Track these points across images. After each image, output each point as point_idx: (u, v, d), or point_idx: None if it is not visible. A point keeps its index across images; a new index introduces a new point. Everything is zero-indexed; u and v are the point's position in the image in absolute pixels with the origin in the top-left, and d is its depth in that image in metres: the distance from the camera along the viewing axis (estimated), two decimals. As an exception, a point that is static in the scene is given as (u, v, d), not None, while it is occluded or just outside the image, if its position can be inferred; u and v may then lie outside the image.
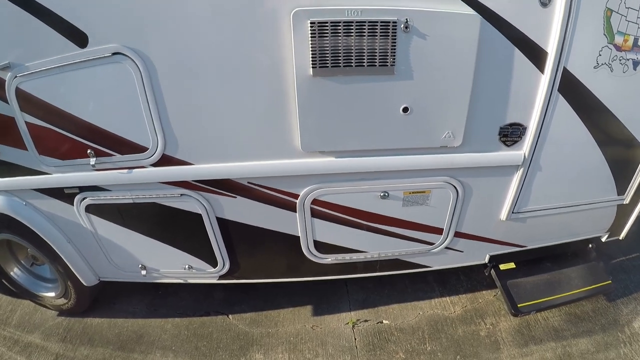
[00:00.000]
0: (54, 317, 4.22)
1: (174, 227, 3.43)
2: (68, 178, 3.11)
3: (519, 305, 3.87)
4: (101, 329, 4.12)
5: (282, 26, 2.56)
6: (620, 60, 3.08)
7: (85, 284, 3.83)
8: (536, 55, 2.90)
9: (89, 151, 2.93)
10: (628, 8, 2.90)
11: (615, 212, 4.14)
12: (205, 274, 3.75)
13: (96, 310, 4.26)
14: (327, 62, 2.62)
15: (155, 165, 3.00)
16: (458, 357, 3.87)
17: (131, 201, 3.20)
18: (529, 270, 4.16)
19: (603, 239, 4.44)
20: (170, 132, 2.88)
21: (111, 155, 2.96)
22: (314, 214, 3.36)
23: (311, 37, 2.54)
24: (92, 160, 2.95)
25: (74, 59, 2.61)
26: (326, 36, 2.55)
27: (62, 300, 4.05)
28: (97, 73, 2.66)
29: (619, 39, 3.00)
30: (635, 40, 3.05)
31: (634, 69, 3.15)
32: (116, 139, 2.90)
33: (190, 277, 3.81)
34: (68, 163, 3.04)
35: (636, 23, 2.98)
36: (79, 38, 2.56)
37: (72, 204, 3.26)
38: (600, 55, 3.00)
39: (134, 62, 2.61)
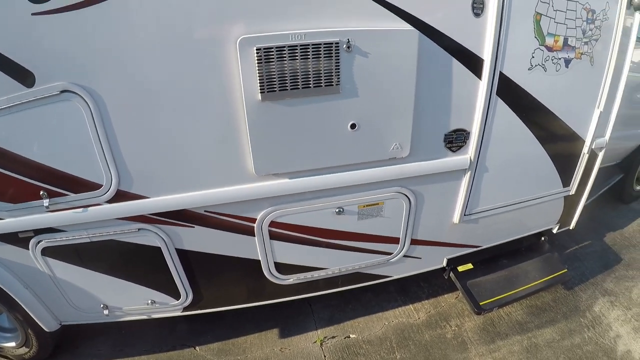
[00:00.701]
0: (16, 368, 4.08)
1: (133, 262, 3.37)
2: (21, 222, 2.99)
3: (481, 304, 3.97)
4: (66, 375, 3.99)
5: (230, 54, 2.59)
6: (552, 60, 3.26)
7: (46, 330, 3.69)
8: (473, 62, 3.05)
9: (42, 192, 2.84)
10: (556, 10, 3.10)
11: (563, 203, 4.36)
12: (169, 307, 3.69)
13: (60, 355, 4.11)
14: (275, 86, 2.67)
15: (110, 201, 2.95)
16: (428, 361, 3.93)
17: (88, 240, 3.12)
18: (486, 268, 4.29)
19: (554, 231, 4.64)
20: (123, 167, 2.84)
21: (65, 195, 2.89)
22: (273, 236, 3.37)
23: (257, 63, 2.59)
24: (46, 202, 2.86)
25: (21, 99, 2.54)
26: (272, 61, 2.60)
27: (23, 350, 3.89)
28: (46, 112, 2.60)
29: (549, 41, 3.18)
30: (565, 40, 3.25)
31: (566, 66, 3.35)
32: (69, 178, 2.83)
33: (154, 311, 3.73)
34: (20, 206, 2.93)
35: (565, 24, 3.18)
36: (26, 77, 2.50)
37: (27, 248, 3.15)
38: (533, 57, 3.18)
39: (83, 99, 2.57)
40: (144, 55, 2.55)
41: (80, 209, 2.97)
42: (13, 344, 3.90)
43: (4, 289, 3.35)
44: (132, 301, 3.61)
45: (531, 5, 3.02)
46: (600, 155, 4.08)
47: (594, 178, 4.24)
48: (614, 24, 3.48)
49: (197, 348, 4.17)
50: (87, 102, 2.60)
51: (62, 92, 2.56)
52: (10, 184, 2.83)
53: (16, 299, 3.43)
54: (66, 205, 2.95)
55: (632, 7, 3.49)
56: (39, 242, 3.13)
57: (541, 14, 3.07)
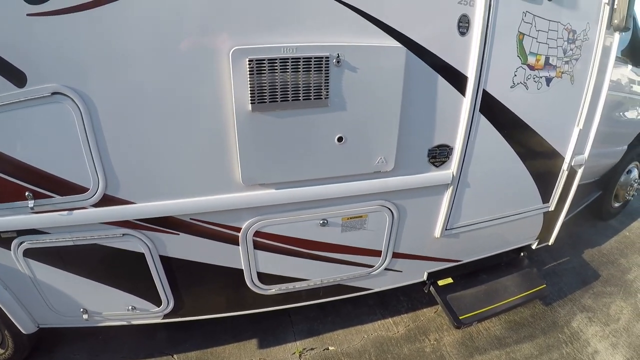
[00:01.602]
0: (-9, 369, 4.03)
1: (116, 267, 3.35)
2: (5, 222, 2.96)
3: (460, 317, 4.00)
4: (41, 378, 3.95)
5: (222, 64, 2.62)
6: (534, 78, 3.35)
7: (23, 331, 3.64)
8: (457, 80, 3.11)
9: (27, 193, 2.82)
10: (538, 31, 3.18)
11: (542, 219, 4.43)
12: (149, 314, 3.66)
13: (36, 358, 4.06)
14: (265, 97, 2.70)
15: (96, 205, 2.94)
16: (406, 374, 3.95)
17: (72, 243, 3.10)
18: (466, 283, 4.33)
19: (533, 246, 4.71)
20: (111, 172, 2.84)
21: (50, 197, 2.87)
22: (257, 245, 3.38)
23: (249, 74, 2.62)
24: (31, 203, 2.84)
25: (11, 98, 2.53)
26: (264, 73, 2.63)
27: (-2, 351, 3.88)
28: (36, 113, 2.59)
29: (531, 59, 3.27)
30: (547, 59, 3.34)
31: (547, 85, 3.43)
32: (56, 180, 2.81)
33: (134, 318, 3.70)
34: (5, 206, 2.90)
35: (546, 43, 3.27)
36: (17, 77, 2.49)
37: (9, 249, 3.11)
38: (515, 75, 3.26)
39: (73, 101, 2.57)
40: (137, 61, 2.56)
41: (66, 212, 2.95)
42: (-12, 344, 3.86)
43: (-18, 290, 3.31)
44: (112, 306, 3.58)
45: (514, 25, 3.11)
46: (580, 172, 4.16)
47: (573, 195, 4.31)
48: (594, 44, 3.57)
49: (175, 356, 4.15)
50: (77, 105, 2.59)
51: (54, 93, 2.55)
52: (-5, 183, 2.81)
53: (-6, 300, 3.39)
54: (51, 207, 2.93)
55: (612, 28, 3.59)
56: (21, 243, 3.10)
57: (524, 34, 3.16)
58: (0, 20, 2.34)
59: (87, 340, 4.26)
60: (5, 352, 3.84)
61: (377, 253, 3.74)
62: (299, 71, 2.69)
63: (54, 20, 2.37)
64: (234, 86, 2.65)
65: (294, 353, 4.17)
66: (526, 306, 4.66)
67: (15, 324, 3.59)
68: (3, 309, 3.46)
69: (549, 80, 3.45)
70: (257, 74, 2.63)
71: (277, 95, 2.71)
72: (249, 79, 2.63)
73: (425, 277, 4.22)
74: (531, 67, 3.30)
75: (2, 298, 3.41)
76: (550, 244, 4.77)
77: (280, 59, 2.63)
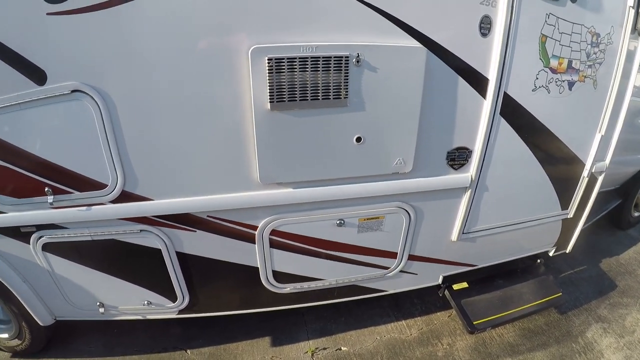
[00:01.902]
0: (7, 359, 4.08)
1: (133, 263, 3.39)
2: (24, 217, 3.02)
3: (474, 323, 3.97)
4: (57, 370, 4.00)
5: (241, 63, 2.62)
6: (556, 82, 3.30)
7: (40, 323, 3.70)
8: (478, 82, 3.08)
9: (46, 189, 2.87)
10: (561, 33, 3.13)
11: (561, 226, 4.36)
12: (164, 309, 3.70)
13: (51, 350, 4.12)
14: (284, 96, 2.70)
15: (114, 201, 2.97)
16: (418, 378, 3.93)
17: (90, 238, 3.14)
18: (481, 288, 4.29)
19: (550, 254, 4.65)
20: (129, 168, 2.86)
21: (70, 192, 2.91)
22: (273, 244, 3.39)
23: (268, 73, 2.62)
24: (50, 198, 2.89)
25: (32, 96, 2.57)
26: (283, 72, 2.64)
27: (15, 342, 3.91)
28: (56, 110, 2.63)
29: (554, 63, 3.21)
30: (570, 62, 3.28)
31: (570, 89, 3.37)
32: (75, 176, 2.85)
33: (149, 312, 3.74)
34: (24, 201, 2.95)
35: (569, 46, 3.21)
36: (38, 75, 2.52)
37: (29, 243, 3.17)
38: (537, 78, 3.21)
39: (93, 99, 2.60)
40: (156, 60, 2.58)
41: (84, 207, 2.99)
42: (6, 335, 3.93)
43: (2, 281, 3.37)
44: (128, 301, 3.62)
45: (537, 27, 3.06)
46: (600, 179, 4.10)
47: (592, 202, 4.26)
48: (618, 48, 3.51)
49: (189, 351, 4.18)
50: (97, 103, 2.62)
51: (73, 91, 2.58)
52: (16, 178, 2.85)
53: (13, 292, 3.45)
54: (70, 203, 2.97)
55: (637, 32, 3.52)
56: (40, 238, 3.15)
57: (547, 36, 3.11)
58: (20, 19, 2.38)
59: (102, 333, 4.31)
60: (23, 343, 3.91)
61: (392, 255, 3.74)
62: (318, 70, 2.69)
63: (73, 19, 2.40)
64: (252, 85, 2.66)
65: (307, 352, 4.17)
66: (541, 314, 4.61)
67: (33, 316, 3.65)
68: (21, 301, 3.52)
69: (571, 85, 3.40)
70: (276, 72, 2.63)
71: (296, 94, 2.72)
72: (267, 78, 2.64)
73: (440, 281, 4.20)
74: (553, 71, 3.26)
75: (20, 290, 3.46)
76: (567, 251, 4.71)
77: (300, 58, 2.63)
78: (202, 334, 4.35)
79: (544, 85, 3.27)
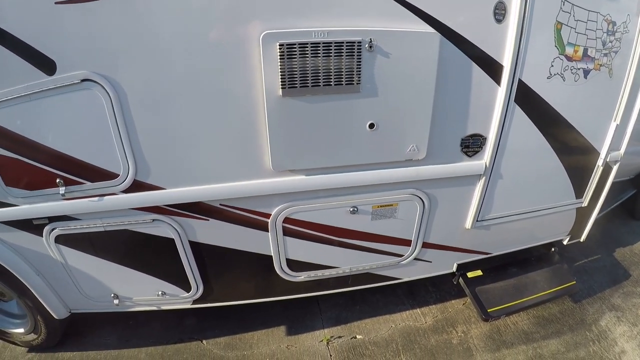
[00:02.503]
0: (24, 354, 4.09)
1: (146, 253, 3.39)
2: (37, 209, 3.02)
3: (489, 310, 3.96)
4: (73, 362, 4.02)
5: (252, 49, 2.61)
6: (571, 70, 3.25)
7: (55, 317, 3.72)
8: (493, 68, 3.04)
9: (58, 180, 2.86)
10: (577, 20, 3.07)
11: (575, 215, 4.32)
12: (178, 299, 3.71)
13: (67, 344, 4.15)
14: (296, 82, 2.68)
15: (126, 191, 2.97)
16: (433, 366, 3.93)
17: (102, 229, 3.14)
18: (496, 276, 4.27)
19: (565, 242, 4.61)
20: (141, 158, 2.86)
21: (81, 183, 2.91)
22: (286, 232, 3.39)
23: (280, 58, 2.60)
24: (62, 190, 2.89)
25: (41, 86, 2.56)
26: (294, 57, 2.62)
27: (32, 336, 3.93)
28: (66, 100, 2.62)
29: (569, 50, 3.16)
30: (585, 50, 3.23)
31: (585, 77, 3.32)
32: (86, 167, 2.85)
33: (163, 303, 3.75)
34: (36, 193, 2.95)
35: (585, 34, 3.16)
36: (47, 65, 2.51)
37: (41, 235, 3.17)
38: (552, 66, 3.16)
39: (103, 88, 2.59)
40: (166, 47, 2.57)
41: (96, 198, 3.00)
42: (22, 330, 3.94)
43: (16, 275, 3.37)
44: (142, 292, 3.64)
45: (552, 14, 3.01)
46: (615, 168, 4.05)
47: (607, 191, 4.20)
48: (635, 37, 3.44)
49: (204, 341, 4.19)
50: (107, 92, 2.61)
51: (83, 80, 2.57)
52: (27, 170, 2.86)
53: (27, 285, 3.46)
54: (82, 194, 2.97)
55: (654, 21, 3.48)
56: (53, 230, 3.16)
57: (562, 23, 3.06)
58: (30, 9, 2.37)
59: (117, 325, 4.33)
60: (39, 337, 3.92)
61: (407, 242, 3.72)
62: (331, 56, 2.66)
63: (81, 7, 2.39)
64: (264, 71, 2.64)
65: (322, 340, 4.19)
66: (555, 302, 4.60)
67: (48, 309, 3.66)
68: (36, 294, 3.53)
69: (586, 73, 3.35)
70: (287, 58, 2.61)
71: (307, 80, 2.70)
72: (279, 64, 2.62)
73: (454, 269, 4.19)
74: (569, 58, 3.21)
75: (34, 284, 3.47)
76: (582, 240, 4.66)
77: (312, 44, 2.61)
78: (218, 324, 4.36)
79: (559, 73, 3.23)
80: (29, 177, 2.90)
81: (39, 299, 3.57)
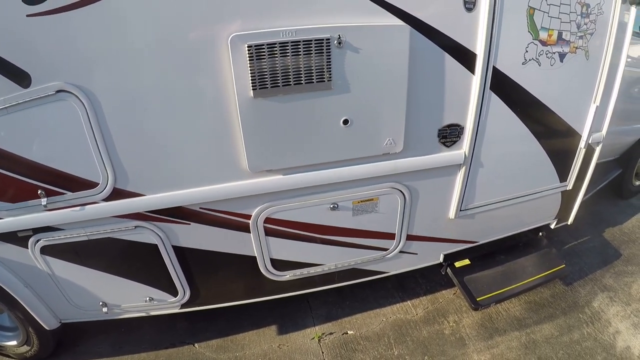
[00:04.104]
0: (18, 366, 4.11)
1: (131, 260, 3.40)
2: (20, 221, 3.02)
3: (478, 299, 3.97)
4: (67, 372, 4.02)
5: (222, 52, 2.61)
6: (546, 54, 3.26)
7: (46, 328, 3.72)
8: (466, 57, 3.05)
9: (39, 192, 2.87)
10: (549, 5, 3.10)
11: (560, 198, 4.34)
12: (166, 304, 3.71)
13: (61, 354, 4.15)
14: (267, 83, 2.69)
15: (107, 199, 2.97)
16: (426, 357, 3.95)
17: (86, 238, 3.15)
18: (483, 264, 4.29)
19: (552, 226, 4.64)
20: (119, 165, 2.86)
21: (62, 193, 2.91)
22: (268, 232, 3.39)
23: (249, 60, 2.61)
24: (44, 201, 2.89)
25: (18, 99, 2.56)
26: (264, 58, 2.62)
27: (24, 348, 3.93)
28: (43, 112, 2.62)
29: (543, 35, 3.18)
30: (560, 34, 3.24)
31: (561, 61, 3.34)
32: (66, 177, 2.85)
33: (152, 309, 3.76)
34: (19, 206, 2.95)
35: (558, 18, 3.17)
36: (22, 78, 2.52)
37: (27, 247, 3.18)
38: (527, 51, 3.18)
39: (78, 98, 2.59)
40: (137, 54, 2.57)
41: (78, 208, 3.00)
42: (14, 342, 3.94)
43: (5, 288, 3.38)
44: (130, 298, 3.64)
45: (524, 0, 3.03)
46: (598, 149, 4.06)
47: (591, 173, 4.22)
48: (609, 18, 3.46)
49: (196, 345, 4.20)
50: (82, 102, 2.61)
51: (58, 91, 2.57)
52: (9, 183, 2.85)
53: (16, 298, 3.46)
54: (64, 204, 2.97)
55: (628, 2, 3.50)
56: (37, 241, 3.16)
57: (534, 8, 3.07)
58: (1, 23, 2.37)
59: (109, 333, 4.34)
60: (31, 349, 3.92)
61: (390, 236, 3.73)
62: (300, 54, 2.66)
63: (53, 19, 2.39)
64: (234, 73, 2.65)
65: (313, 338, 4.20)
66: (546, 286, 4.62)
67: (38, 320, 3.66)
68: (25, 306, 3.53)
69: (562, 56, 3.36)
70: (257, 59, 2.61)
71: (278, 80, 2.70)
72: (249, 65, 2.62)
73: (441, 259, 4.20)
74: (543, 43, 3.22)
75: (23, 296, 3.48)
76: (569, 223, 4.68)
77: (280, 43, 2.61)
78: (209, 326, 4.38)
79: (534, 58, 3.24)
80: (10, 189, 2.90)
81: (29, 311, 3.57)
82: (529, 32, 3.13)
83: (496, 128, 3.40)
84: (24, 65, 2.50)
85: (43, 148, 2.77)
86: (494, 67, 3.13)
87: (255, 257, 3.53)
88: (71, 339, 4.27)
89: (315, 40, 2.65)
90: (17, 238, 3.15)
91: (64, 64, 2.54)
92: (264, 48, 2.60)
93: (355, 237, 3.63)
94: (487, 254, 4.39)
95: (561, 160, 3.96)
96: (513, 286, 4.14)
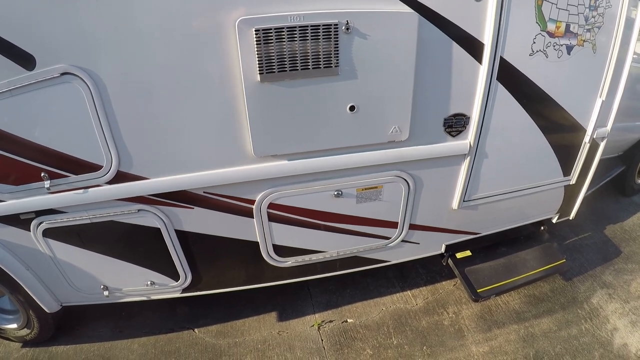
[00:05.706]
0: (18, 349, 4.10)
1: (133, 243, 3.40)
2: (23, 203, 3.02)
3: (478, 291, 3.98)
4: (67, 356, 4.02)
5: (228, 36, 2.59)
6: (554, 46, 3.23)
7: (47, 311, 3.73)
8: (473, 47, 3.03)
9: (43, 174, 2.86)
10: (558, -4, 3.04)
11: (563, 193, 4.33)
12: (168, 289, 3.72)
13: (61, 337, 4.17)
14: (274, 67, 2.67)
15: (110, 182, 2.97)
16: (424, 347, 3.96)
17: (89, 221, 3.15)
18: (485, 256, 4.30)
19: (554, 220, 4.62)
20: (123, 148, 2.86)
21: (66, 176, 2.91)
22: (271, 218, 3.39)
23: (256, 44, 2.59)
24: (47, 183, 2.88)
25: (22, 82, 2.55)
26: (271, 42, 2.61)
27: (25, 331, 3.94)
28: (47, 94, 2.61)
29: (551, 26, 3.15)
30: (567, 26, 3.21)
31: (568, 53, 3.31)
32: (70, 160, 2.84)
33: (153, 293, 3.76)
34: (22, 188, 2.95)
35: (567, 10, 3.14)
36: (26, 60, 2.50)
37: (29, 230, 3.18)
38: (534, 42, 3.15)
39: (83, 81, 2.57)
40: (144, 37, 2.55)
41: (81, 190, 3.00)
42: (15, 325, 3.95)
43: (6, 271, 3.38)
44: (131, 282, 3.65)
45: (533, -10, 3.01)
46: (602, 145, 4.05)
47: (595, 168, 4.21)
48: (618, 12, 3.42)
49: (196, 330, 4.22)
50: (87, 84, 2.60)
51: (63, 74, 2.56)
52: (12, 166, 2.85)
53: (18, 281, 3.46)
54: (67, 187, 2.97)
55: (635, -4, 3.47)
56: (40, 224, 3.16)
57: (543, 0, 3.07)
58: (7, 5, 2.36)
59: (110, 317, 4.35)
60: (32, 332, 3.94)
61: (393, 225, 3.73)
62: (307, 40, 2.65)
63: (58, 1, 2.38)
64: (241, 57, 2.63)
65: (313, 325, 4.22)
66: (546, 281, 4.63)
67: (39, 303, 3.67)
68: (26, 289, 3.53)
69: (569, 49, 3.34)
70: (264, 43, 2.60)
71: (285, 64, 2.69)
72: (256, 50, 2.61)
73: (443, 250, 4.21)
74: (551, 35, 3.20)
75: (24, 278, 3.48)
76: (571, 218, 4.68)
77: (288, 28, 2.60)
78: (209, 312, 4.39)
79: (542, 50, 3.22)
80: (14, 172, 2.90)
81: (30, 294, 3.57)
82: (537, 23, 3.11)
83: (502, 119, 3.39)
84: (28, 47, 2.49)
85: (47, 131, 2.76)
86: (501, 58, 3.11)
87: (257, 242, 3.53)
88: (71, 322, 4.28)
89: (323, 25, 2.63)
90: (20, 221, 3.15)
91: (68, 47, 2.52)
92: (271, 32, 2.58)
93: (358, 224, 3.62)
94: (488, 246, 4.39)
95: (565, 154, 3.95)
96: (514, 279, 4.15)
